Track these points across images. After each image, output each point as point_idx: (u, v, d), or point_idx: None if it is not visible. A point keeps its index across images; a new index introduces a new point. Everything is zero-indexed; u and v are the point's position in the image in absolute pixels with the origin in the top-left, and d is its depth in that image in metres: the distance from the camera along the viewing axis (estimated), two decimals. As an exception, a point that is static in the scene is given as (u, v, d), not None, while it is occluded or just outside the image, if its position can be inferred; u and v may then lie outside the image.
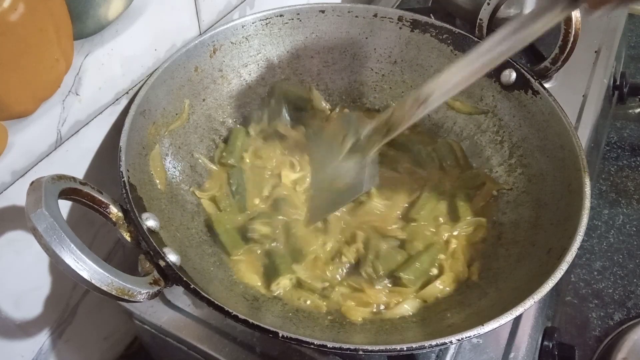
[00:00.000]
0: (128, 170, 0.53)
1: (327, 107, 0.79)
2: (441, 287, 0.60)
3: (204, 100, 0.70)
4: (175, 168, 0.64)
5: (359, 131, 0.66)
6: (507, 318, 0.46)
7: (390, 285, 0.61)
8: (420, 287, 0.60)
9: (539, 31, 0.52)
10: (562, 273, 0.49)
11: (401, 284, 0.60)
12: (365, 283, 0.60)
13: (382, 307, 0.59)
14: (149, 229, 0.50)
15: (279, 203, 0.66)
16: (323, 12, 0.75)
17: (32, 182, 0.44)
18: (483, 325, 0.46)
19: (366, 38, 0.77)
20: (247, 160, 0.71)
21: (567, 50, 0.67)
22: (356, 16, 0.76)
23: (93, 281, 0.41)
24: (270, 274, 0.60)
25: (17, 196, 0.51)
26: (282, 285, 0.59)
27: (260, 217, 0.64)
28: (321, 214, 0.65)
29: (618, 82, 1.01)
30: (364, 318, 0.57)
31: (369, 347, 0.45)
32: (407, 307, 0.59)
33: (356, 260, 0.62)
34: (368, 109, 0.80)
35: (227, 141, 0.72)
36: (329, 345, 0.44)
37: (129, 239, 0.50)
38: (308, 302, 0.59)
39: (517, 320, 0.63)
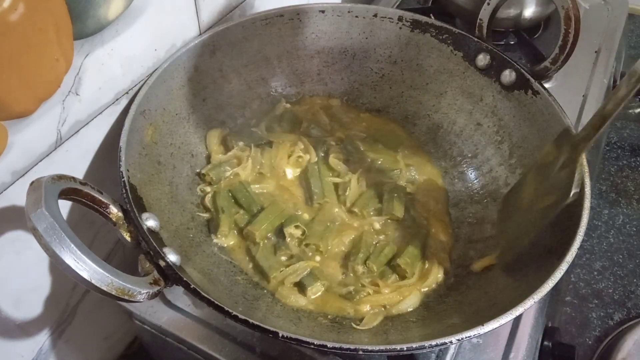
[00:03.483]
0: (128, 170, 0.53)
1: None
2: (439, 274, 0.62)
3: (204, 100, 0.70)
4: (175, 168, 0.64)
5: (570, 139, 0.59)
6: (507, 318, 0.46)
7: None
8: (420, 278, 0.62)
9: None
10: (562, 273, 0.49)
11: (400, 272, 0.61)
12: (380, 281, 0.61)
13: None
14: (149, 229, 0.50)
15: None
16: (323, 12, 0.75)
17: (32, 182, 0.44)
18: (483, 325, 0.46)
19: (366, 38, 0.77)
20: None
21: (567, 50, 0.67)
22: (356, 16, 0.76)
23: (93, 281, 0.41)
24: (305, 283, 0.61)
25: (17, 196, 0.51)
26: (316, 291, 0.60)
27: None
28: (524, 240, 0.59)
29: (618, 82, 1.01)
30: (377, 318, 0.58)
31: (369, 347, 0.45)
32: (411, 301, 0.60)
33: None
34: (368, 109, 0.80)
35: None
36: (328, 345, 0.44)
37: (129, 239, 0.50)
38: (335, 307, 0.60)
39: (517, 320, 0.63)
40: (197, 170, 0.69)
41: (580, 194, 0.56)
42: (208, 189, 0.67)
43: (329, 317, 0.58)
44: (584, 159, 0.57)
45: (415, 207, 0.69)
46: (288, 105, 0.78)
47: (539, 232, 0.57)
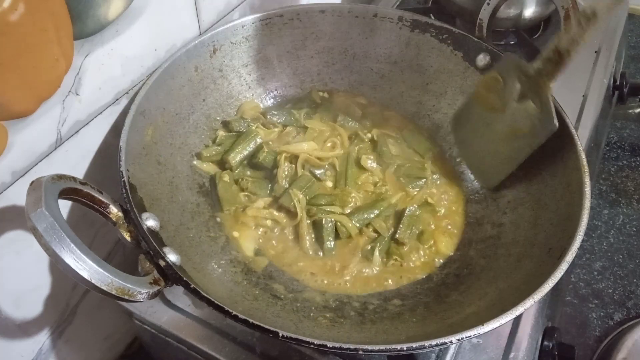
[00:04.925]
0: (128, 170, 0.53)
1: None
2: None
3: (204, 100, 0.70)
4: (175, 168, 0.64)
5: (523, 70, 0.64)
6: (507, 318, 0.46)
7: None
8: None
9: None
10: (562, 273, 0.49)
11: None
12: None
13: None
14: (149, 228, 0.50)
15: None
16: (323, 12, 0.75)
17: (32, 182, 0.44)
18: (483, 325, 0.46)
19: (366, 38, 0.77)
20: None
21: (567, 50, 0.67)
22: (356, 16, 0.76)
23: (93, 281, 0.41)
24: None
25: (17, 196, 0.51)
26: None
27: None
28: (506, 169, 0.66)
29: (618, 82, 1.01)
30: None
31: (369, 347, 0.45)
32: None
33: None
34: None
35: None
36: (328, 345, 0.44)
37: (129, 238, 0.50)
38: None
39: (517, 320, 0.63)
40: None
41: (580, 194, 0.56)
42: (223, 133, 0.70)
43: (328, 315, 0.58)
44: (549, 93, 0.62)
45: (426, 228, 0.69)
46: (325, 95, 0.79)
47: (524, 160, 0.64)
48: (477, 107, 0.70)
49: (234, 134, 0.71)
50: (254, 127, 0.71)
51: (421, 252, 0.65)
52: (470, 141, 0.71)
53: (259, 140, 0.70)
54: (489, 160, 0.69)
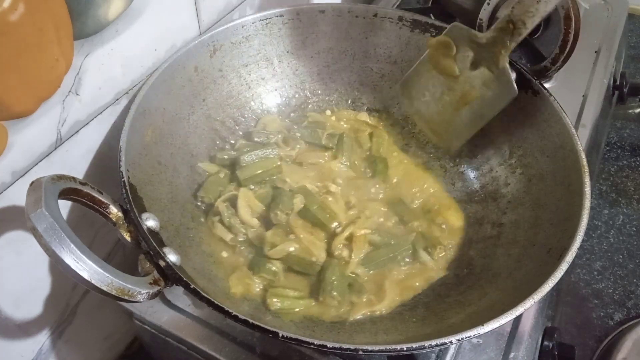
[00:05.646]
0: (128, 170, 0.53)
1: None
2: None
3: (204, 100, 0.70)
4: (175, 168, 0.64)
5: (474, 40, 0.65)
6: (507, 318, 0.46)
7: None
8: None
9: None
10: (562, 273, 0.49)
11: None
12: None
13: None
14: (149, 229, 0.50)
15: None
16: (323, 12, 0.75)
17: (32, 182, 0.44)
18: (483, 325, 0.46)
19: (366, 38, 0.77)
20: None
21: (567, 50, 0.68)
22: (356, 16, 0.76)
23: (93, 281, 0.41)
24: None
25: (17, 196, 0.51)
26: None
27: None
28: (466, 133, 0.68)
29: (618, 82, 1.01)
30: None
31: (369, 347, 0.45)
32: None
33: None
34: (368, 109, 0.80)
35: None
36: (329, 346, 0.44)
37: (129, 239, 0.50)
38: None
39: (517, 320, 0.63)
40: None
41: (580, 194, 0.56)
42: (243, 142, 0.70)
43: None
44: (505, 62, 0.63)
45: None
46: (333, 118, 0.78)
47: (484, 124, 0.66)
48: (430, 71, 0.70)
49: (253, 144, 0.70)
50: (273, 140, 0.71)
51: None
52: (425, 105, 0.72)
53: (276, 159, 0.69)
54: (447, 124, 0.70)
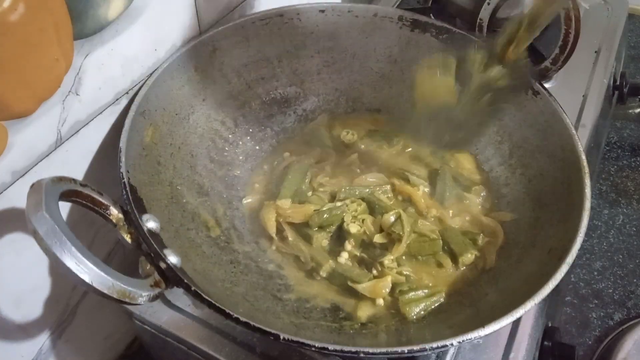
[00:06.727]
0: (128, 171, 0.53)
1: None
2: None
3: (204, 100, 0.70)
4: (175, 169, 0.64)
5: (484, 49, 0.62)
6: (508, 320, 0.46)
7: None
8: None
9: None
10: (562, 274, 0.49)
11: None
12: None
13: None
14: (149, 230, 0.50)
15: None
16: (323, 12, 0.75)
17: (33, 184, 0.44)
18: (484, 327, 0.46)
19: (366, 38, 0.77)
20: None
21: (567, 50, 0.67)
22: (356, 16, 0.76)
23: (94, 284, 0.41)
24: None
25: (17, 196, 0.51)
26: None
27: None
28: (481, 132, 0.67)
29: (618, 82, 1.01)
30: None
31: (370, 350, 0.45)
32: None
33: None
34: (368, 109, 0.80)
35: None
36: (330, 348, 0.44)
37: (129, 240, 0.50)
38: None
39: (517, 320, 0.62)
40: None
41: (580, 194, 0.56)
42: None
43: (328, 317, 0.58)
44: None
45: None
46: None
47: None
48: (425, 108, 0.66)
49: None
50: None
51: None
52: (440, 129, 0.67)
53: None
54: (463, 129, 0.66)
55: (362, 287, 0.59)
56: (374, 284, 0.59)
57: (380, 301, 0.59)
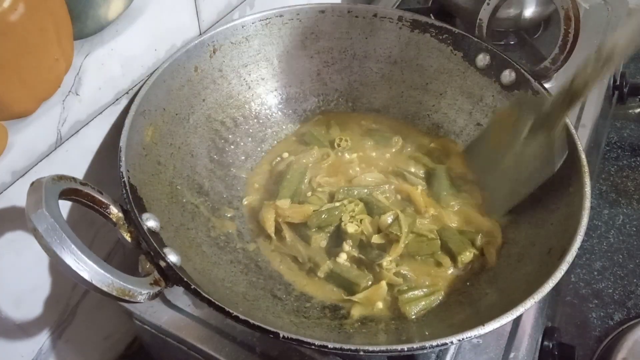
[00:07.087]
0: (128, 171, 0.53)
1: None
2: None
3: (204, 100, 0.70)
4: (175, 168, 0.64)
5: (535, 109, 0.64)
6: (508, 318, 0.46)
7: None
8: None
9: None
10: (562, 273, 0.49)
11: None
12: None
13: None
14: (149, 229, 0.50)
15: None
16: (323, 12, 0.75)
17: (33, 183, 0.44)
18: (484, 325, 0.46)
19: (366, 38, 0.77)
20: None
21: (567, 50, 0.68)
22: (356, 16, 0.76)
23: (93, 282, 0.41)
24: None
25: (17, 196, 0.51)
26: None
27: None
28: (504, 206, 0.66)
29: (618, 82, 1.01)
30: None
31: (370, 348, 0.45)
32: None
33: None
34: (368, 109, 0.80)
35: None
36: (329, 346, 0.44)
37: (129, 239, 0.50)
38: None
39: (517, 320, 0.63)
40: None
41: (580, 194, 0.56)
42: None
43: (328, 315, 0.58)
44: (557, 136, 0.61)
45: None
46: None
47: (528, 193, 0.63)
48: (489, 141, 0.70)
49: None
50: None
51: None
52: (486, 171, 0.71)
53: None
54: (498, 191, 0.68)
55: (359, 297, 0.59)
56: (369, 293, 0.59)
57: (379, 303, 0.59)
